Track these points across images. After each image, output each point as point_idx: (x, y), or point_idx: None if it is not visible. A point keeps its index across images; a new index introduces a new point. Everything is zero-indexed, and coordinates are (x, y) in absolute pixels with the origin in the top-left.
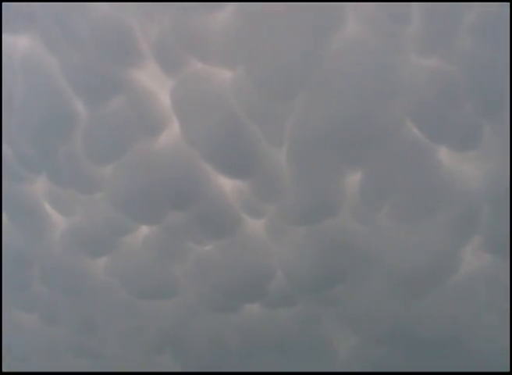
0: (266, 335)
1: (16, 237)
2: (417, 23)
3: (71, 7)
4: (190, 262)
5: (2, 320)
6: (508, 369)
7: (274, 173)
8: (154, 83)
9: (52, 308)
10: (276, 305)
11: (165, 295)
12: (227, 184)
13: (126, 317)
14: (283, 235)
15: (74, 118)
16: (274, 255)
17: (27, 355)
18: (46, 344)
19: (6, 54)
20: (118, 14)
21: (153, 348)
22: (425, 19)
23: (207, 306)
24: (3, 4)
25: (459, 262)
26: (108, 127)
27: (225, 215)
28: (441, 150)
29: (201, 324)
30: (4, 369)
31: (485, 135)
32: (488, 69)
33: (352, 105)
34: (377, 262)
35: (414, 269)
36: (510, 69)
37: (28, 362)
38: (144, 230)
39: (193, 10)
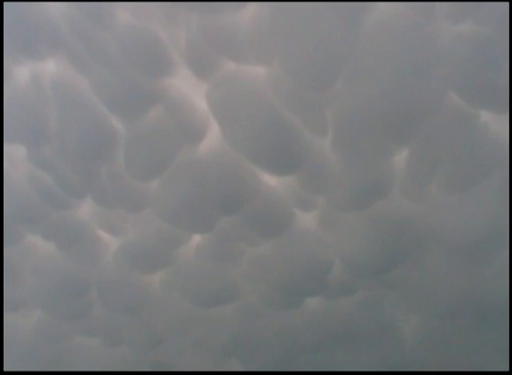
0: (331, 326)
1: (69, 264)
2: None
3: (93, 23)
4: (246, 264)
5: (63, 347)
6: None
7: (320, 163)
8: (189, 89)
9: (115, 330)
10: (338, 295)
11: (226, 300)
12: (275, 182)
13: (190, 327)
14: (336, 224)
15: (113, 136)
16: (329, 246)
17: None
18: (112, 366)
19: (35, 81)
20: (142, 23)
21: (222, 353)
22: None
23: (269, 305)
24: (24, 31)
25: None
26: (148, 141)
27: (276, 212)
28: (485, 115)
29: (266, 324)
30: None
31: None
32: None
33: (391, 83)
34: (434, 237)
35: (474, 239)
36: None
37: None
38: (197, 238)
39: (219, 9)
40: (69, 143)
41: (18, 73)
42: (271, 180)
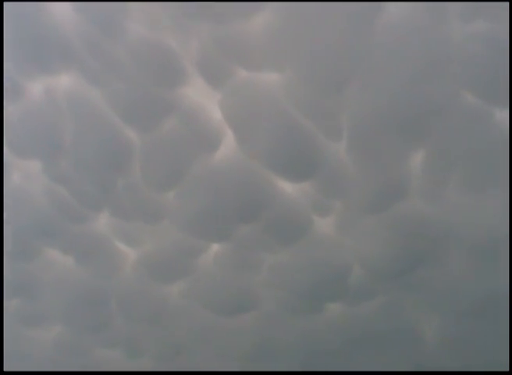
0: (352, 330)
1: (87, 277)
2: None
3: (105, 36)
4: (265, 271)
5: (84, 360)
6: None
7: (336, 168)
8: (203, 98)
9: (135, 341)
10: (358, 299)
11: (247, 308)
12: (291, 188)
13: (211, 336)
14: (354, 228)
15: (128, 148)
16: (348, 250)
17: None
18: None
19: (49, 96)
20: (155, 34)
21: (244, 361)
22: None
23: (290, 312)
24: (37, 47)
25: None
26: (163, 151)
27: (294, 219)
28: (500, 113)
29: (287, 330)
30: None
31: None
32: None
33: (404, 85)
34: (453, 237)
35: (493, 238)
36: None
37: None
38: (215, 247)
39: (230, 17)
40: (84, 156)
41: (32, 88)
42: (287, 187)
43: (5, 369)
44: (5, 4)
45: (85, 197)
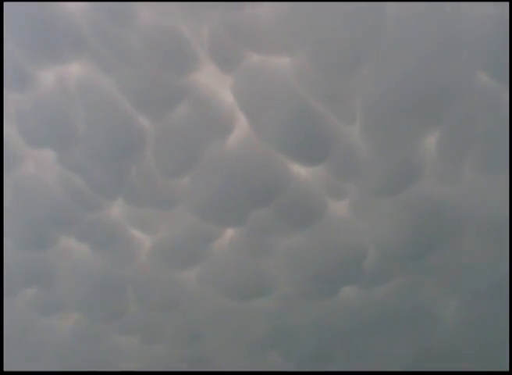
0: (368, 314)
1: (103, 265)
2: None
3: (116, 23)
4: (280, 255)
5: (102, 347)
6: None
7: (350, 151)
8: (215, 83)
9: (152, 328)
10: (373, 282)
11: (263, 292)
12: (305, 171)
13: (227, 321)
14: (369, 210)
15: (141, 135)
16: (363, 233)
17: None
18: (151, 363)
19: (61, 85)
20: (165, 20)
21: (261, 346)
22: None
23: (305, 296)
24: (47, 35)
25: None
26: (177, 137)
27: (308, 202)
28: None
29: (303, 314)
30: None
31: None
32: None
33: (418, 66)
34: (469, 219)
35: (510, 219)
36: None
37: None
38: (230, 232)
39: (241, 1)
40: (97, 144)
41: (43, 77)
42: (301, 170)
43: (30, 356)
44: None
45: (99, 185)
